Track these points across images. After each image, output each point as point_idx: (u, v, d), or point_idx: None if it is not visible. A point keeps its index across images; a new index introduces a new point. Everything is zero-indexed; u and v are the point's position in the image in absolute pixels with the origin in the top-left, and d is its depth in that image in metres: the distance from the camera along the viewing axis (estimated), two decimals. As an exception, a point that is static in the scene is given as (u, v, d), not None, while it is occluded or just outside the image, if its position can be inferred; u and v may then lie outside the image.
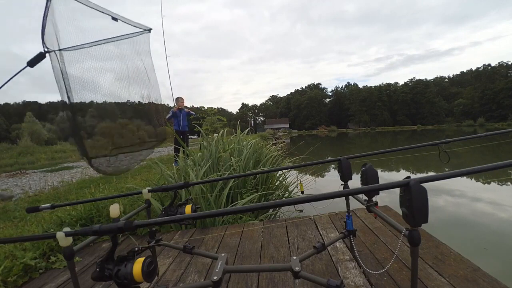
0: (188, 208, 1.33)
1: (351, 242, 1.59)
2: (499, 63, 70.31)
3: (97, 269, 0.78)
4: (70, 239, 0.86)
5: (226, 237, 2.24)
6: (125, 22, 1.59)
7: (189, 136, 8.32)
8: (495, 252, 3.00)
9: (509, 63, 68.59)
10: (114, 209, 1.09)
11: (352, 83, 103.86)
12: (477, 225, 3.83)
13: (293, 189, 3.99)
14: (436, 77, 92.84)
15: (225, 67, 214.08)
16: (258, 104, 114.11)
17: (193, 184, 1.62)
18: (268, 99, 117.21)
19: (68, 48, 1.39)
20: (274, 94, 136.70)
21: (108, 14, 1.52)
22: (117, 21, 1.55)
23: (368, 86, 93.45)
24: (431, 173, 5.55)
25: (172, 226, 2.63)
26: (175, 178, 3.23)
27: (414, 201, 0.83)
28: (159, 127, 1.96)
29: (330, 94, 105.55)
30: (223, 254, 1.21)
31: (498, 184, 5.90)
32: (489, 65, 73.13)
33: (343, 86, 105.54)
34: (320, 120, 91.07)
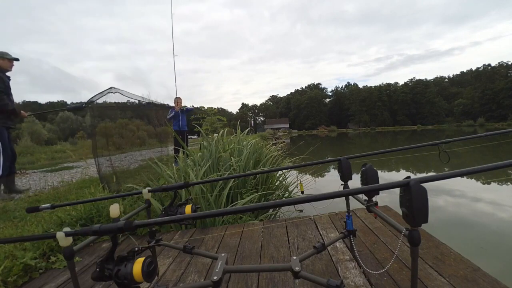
0: (188, 208, 1.33)
1: (351, 242, 1.59)
2: (499, 63, 70.34)
3: (97, 269, 0.78)
4: (70, 239, 0.85)
5: (226, 237, 2.24)
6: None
7: (189, 136, 8.32)
8: (495, 252, 3.00)
9: (509, 63, 68.58)
10: (114, 209, 1.09)
11: (352, 83, 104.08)
12: (477, 225, 3.83)
13: (293, 189, 3.99)
14: (436, 77, 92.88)
15: (225, 67, 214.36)
16: (258, 104, 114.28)
17: (193, 184, 1.62)
18: (268, 99, 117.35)
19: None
20: (274, 94, 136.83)
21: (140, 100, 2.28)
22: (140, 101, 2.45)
23: (368, 86, 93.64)
24: (431, 173, 5.55)
25: (172, 226, 2.63)
26: (175, 178, 3.23)
27: (414, 201, 0.83)
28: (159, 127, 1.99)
29: (330, 94, 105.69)
30: (223, 254, 1.21)
31: (498, 184, 5.90)
32: (489, 65, 73.12)
33: (343, 86, 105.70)
34: (320, 120, 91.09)
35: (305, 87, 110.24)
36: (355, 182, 1.43)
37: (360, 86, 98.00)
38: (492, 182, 6.01)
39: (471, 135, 1.84)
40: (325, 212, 2.63)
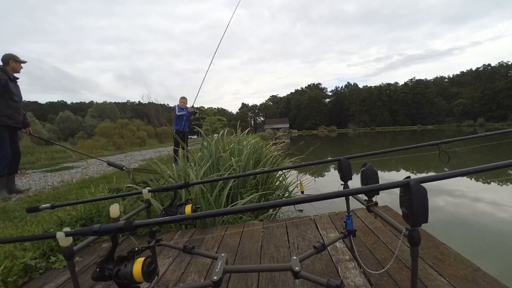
0: (188, 208, 1.33)
1: (351, 242, 1.59)
2: (499, 63, 70.48)
3: (97, 269, 0.78)
4: (70, 239, 0.85)
5: (226, 237, 2.24)
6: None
7: (189, 136, 8.33)
8: (495, 252, 3.00)
9: (509, 63, 68.68)
10: (114, 209, 1.09)
11: (352, 83, 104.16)
12: (477, 225, 3.83)
13: (293, 189, 3.99)
14: (436, 77, 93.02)
15: (225, 67, 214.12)
16: (258, 104, 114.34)
17: (193, 184, 1.62)
18: (268, 99, 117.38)
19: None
20: (274, 94, 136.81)
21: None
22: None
23: (368, 86, 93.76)
24: (431, 173, 5.55)
25: (172, 226, 2.63)
26: (175, 178, 3.23)
27: (414, 201, 0.83)
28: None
29: (330, 94, 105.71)
30: (223, 254, 1.21)
31: (498, 184, 5.90)
32: (489, 65, 73.21)
33: (343, 86, 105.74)
34: (320, 120, 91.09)
35: (305, 87, 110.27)
36: (355, 182, 1.43)
37: (360, 86, 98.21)
38: (492, 182, 6.01)
39: (471, 135, 1.85)
40: (325, 212, 2.63)
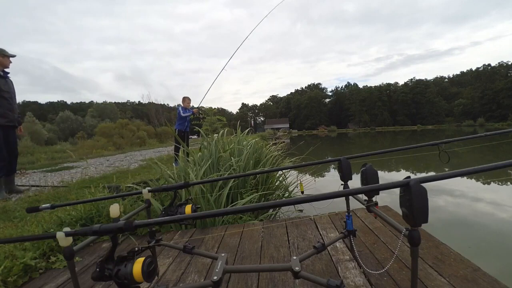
0: (188, 208, 1.33)
1: (351, 242, 1.59)
2: (499, 63, 70.41)
3: (97, 269, 0.78)
4: (70, 239, 0.85)
5: (226, 237, 2.24)
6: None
7: (189, 136, 8.33)
8: (495, 252, 3.00)
9: (509, 63, 68.66)
10: (114, 209, 1.09)
11: (352, 83, 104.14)
12: (477, 225, 3.83)
13: (293, 189, 3.99)
14: (436, 77, 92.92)
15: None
16: (258, 104, 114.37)
17: (193, 184, 1.62)
18: (268, 99, 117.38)
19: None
20: (274, 94, 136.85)
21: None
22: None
23: (368, 86, 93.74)
24: (431, 173, 5.55)
25: (172, 226, 2.63)
26: (175, 178, 3.23)
27: (414, 201, 0.83)
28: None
29: (330, 94, 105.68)
30: (223, 254, 1.20)
31: (498, 184, 5.90)
32: (489, 65, 73.18)
33: (343, 86, 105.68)
34: (320, 120, 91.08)
35: (305, 87, 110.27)
36: (355, 182, 1.43)
37: (360, 86, 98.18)
38: (492, 182, 6.01)
39: (471, 135, 1.85)
40: (325, 212, 2.63)
